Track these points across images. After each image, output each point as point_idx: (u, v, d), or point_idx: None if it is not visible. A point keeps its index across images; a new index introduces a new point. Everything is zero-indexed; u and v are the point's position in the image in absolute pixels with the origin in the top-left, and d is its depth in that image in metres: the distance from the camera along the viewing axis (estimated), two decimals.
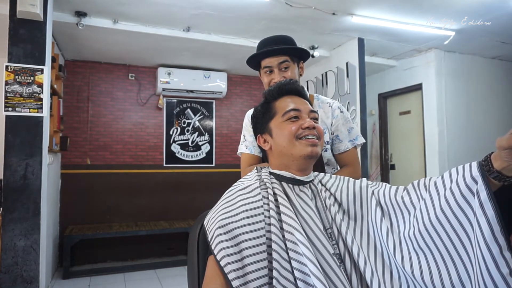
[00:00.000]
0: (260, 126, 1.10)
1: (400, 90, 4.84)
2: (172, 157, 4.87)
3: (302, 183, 1.03)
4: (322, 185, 1.06)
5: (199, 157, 5.02)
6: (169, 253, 4.62)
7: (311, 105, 1.11)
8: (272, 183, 1.00)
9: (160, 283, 3.71)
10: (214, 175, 5.04)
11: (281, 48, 1.48)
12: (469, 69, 4.58)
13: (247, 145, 1.59)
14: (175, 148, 4.90)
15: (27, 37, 2.61)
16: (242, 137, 1.66)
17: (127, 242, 4.42)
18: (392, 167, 5.02)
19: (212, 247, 0.86)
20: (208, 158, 5.05)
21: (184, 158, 4.94)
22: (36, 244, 2.55)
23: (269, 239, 0.88)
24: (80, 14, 3.31)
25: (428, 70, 4.42)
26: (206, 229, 0.91)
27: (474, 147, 4.48)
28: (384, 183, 1.04)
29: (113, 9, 3.25)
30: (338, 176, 1.10)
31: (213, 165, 5.06)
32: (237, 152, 1.68)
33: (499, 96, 4.76)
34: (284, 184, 1.01)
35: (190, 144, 4.98)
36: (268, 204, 0.94)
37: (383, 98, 5.14)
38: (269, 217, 0.92)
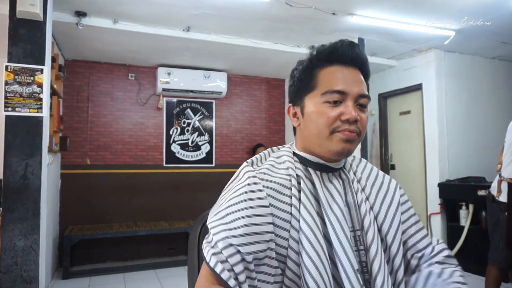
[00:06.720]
0: (294, 94, 0.88)
1: (400, 90, 4.84)
2: (172, 157, 4.87)
3: (332, 170, 0.85)
4: (354, 173, 0.89)
5: (199, 157, 5.02)
6: (169, 253, 4.62)
7: (366, 82, 0.88)
8: (296, 168, 0.83)
9: (160, 283, 3.71)
10: (214, 175, 5.04)
11: None
12: (469, 69, 4.58)
13: None
14: (175, 148, 4.90)
15: (27, 37, 2.60)
16: None
17: (127, 242, 4.42)
18: (392, 167, 5.02)
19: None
20: (208, 158, 5.05)
21: (184, 158, 4.94)
22: (36, 244, 2.55)
23: (287, 239, 0.76)
24: (80, 14, 3.31)
25: (428, 70, 4.42)
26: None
27: (474, 147, 4.48)
28: (419, 224, 0.90)
29: (113, 9, 3.25)
30: (369, 166, 0.95)
31: (213, 165, 5.06)
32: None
33: (500, 96, 4.75)
34: (311, 170, 0.83)
35: (190, 144, 4.98)
36: (291, 197, 0.79)
37: (383, 98, 5.13)
38: (289, 221, 0.78)
